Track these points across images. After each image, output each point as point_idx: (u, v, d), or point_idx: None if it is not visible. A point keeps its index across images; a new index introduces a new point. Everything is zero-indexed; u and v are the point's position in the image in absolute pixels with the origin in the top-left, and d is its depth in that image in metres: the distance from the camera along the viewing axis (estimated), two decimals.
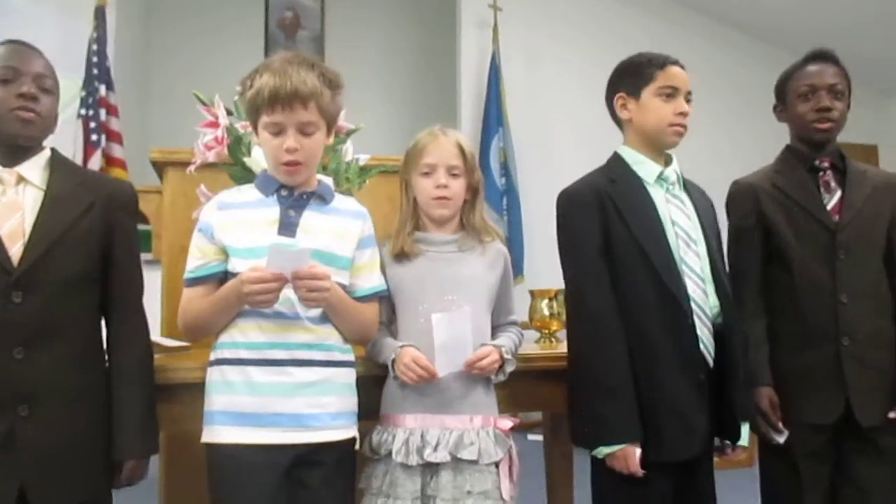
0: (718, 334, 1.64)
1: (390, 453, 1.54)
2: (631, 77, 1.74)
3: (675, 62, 1.71)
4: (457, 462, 1.53)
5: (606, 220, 1.65)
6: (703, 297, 1.62)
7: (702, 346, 1.60)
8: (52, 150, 1.50)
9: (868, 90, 6.16)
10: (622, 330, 1.60)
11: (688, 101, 1.70)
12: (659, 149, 1.72)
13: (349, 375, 1.54)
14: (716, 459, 1.71)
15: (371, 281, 1.59)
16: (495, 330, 1.70)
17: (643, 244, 1.62)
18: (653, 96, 1.69)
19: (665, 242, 1.63)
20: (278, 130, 1.47)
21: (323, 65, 1.53)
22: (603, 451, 1.58)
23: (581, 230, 1.68)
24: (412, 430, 1.55)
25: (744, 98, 5.54)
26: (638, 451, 1.55)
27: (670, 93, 1.68)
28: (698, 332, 1.60)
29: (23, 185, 1.42)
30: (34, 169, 1.44)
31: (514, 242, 4.95)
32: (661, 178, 1.70)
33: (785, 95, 1.90)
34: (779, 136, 2.00)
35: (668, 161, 1.74)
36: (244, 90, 1.51)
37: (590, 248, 1.65)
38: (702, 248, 1.66)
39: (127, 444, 1.46)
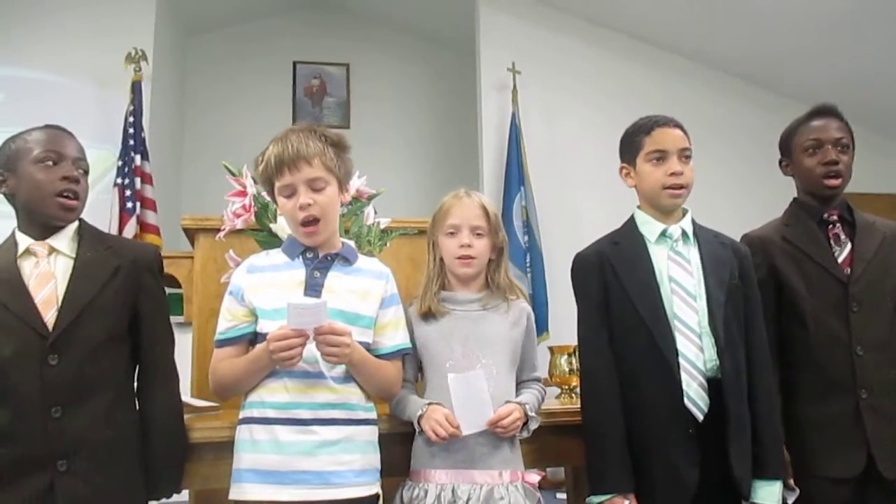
0: (716, 387, 1.62)
1: None
2: (626, 147, 1.80)
3: (664, 124, 1.75)
4: None
5: (605, 280, 1.71)
6: (695, 351, 1.62)
7: (687, 399, 1.59)
8: (80, 220, 1.60)
9: (890, 140, 6.14)
10: (616, 384, 1.66)
11: (686, 157, 1.73)
12: (662, 210, 1.76)
13: (372, 433, 1.57)
14: None
15: (395, 339, 1.62)
16: (519, 386, 1.73)
17: (634, 300, 1.67)
18: (644, 163, 1.75)
19: (657, 297, 1.66)
20: (291, 192, 1.55)
21: (326, 129, 1.62)
22: (593, 500, 1.63)
23: (583, 291, 1.76)
24: (443, 486, 1.58)
25: (761, 150, 5.49)
26: (626, 502, 1.59)
27: (659, 157, 1.72)
28: (684, 385, 1.60)
29: (54, 256, 1.52)
30: (63, 240, 1.54)
31: (538, 299, 4.90)
32: (664, 235, 1.73)
33: (790, 150, 1.93)
34: (794, 187, 1.99)
35: (681, 216, 1.77)
36: (257, 166, 1.61)
37: (589, 308, 1.74)
38: (701, 303, 1.66)
39: (156, 485, 1.55)
